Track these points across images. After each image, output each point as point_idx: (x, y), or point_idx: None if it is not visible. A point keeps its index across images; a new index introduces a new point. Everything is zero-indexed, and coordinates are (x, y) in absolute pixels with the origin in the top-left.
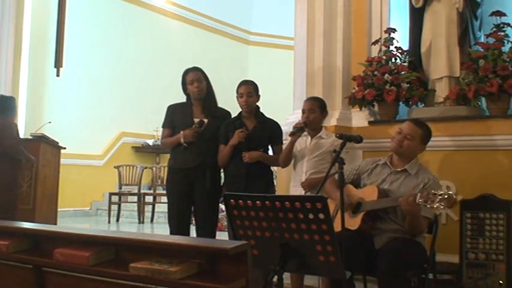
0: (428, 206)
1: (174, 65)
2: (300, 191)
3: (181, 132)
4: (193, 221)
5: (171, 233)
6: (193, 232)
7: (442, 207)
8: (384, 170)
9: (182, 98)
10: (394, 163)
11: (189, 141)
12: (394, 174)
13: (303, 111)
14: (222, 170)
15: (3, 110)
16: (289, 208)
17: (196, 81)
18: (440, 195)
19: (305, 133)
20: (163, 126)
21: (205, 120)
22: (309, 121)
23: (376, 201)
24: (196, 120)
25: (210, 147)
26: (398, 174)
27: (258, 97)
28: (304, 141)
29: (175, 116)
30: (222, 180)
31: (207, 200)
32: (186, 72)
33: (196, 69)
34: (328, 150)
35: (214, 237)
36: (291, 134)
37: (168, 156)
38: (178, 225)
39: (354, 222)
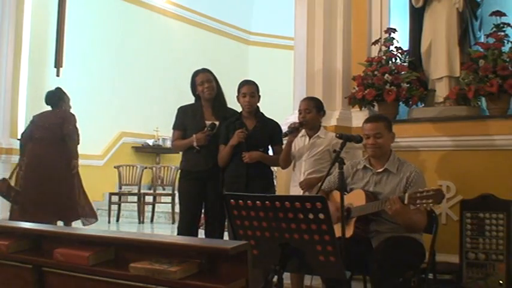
0: (418, 206)
1: (174, 65)
2: (298, 191)
3: (194, 136)
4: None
5: (180, 232)
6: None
7: (431, 205)
8: (365, 174)
9: (182, 98)
10: (374, 164)
11: (201, 144)
12: (376, 175)
13: (299, 112)
14: None
15: (55, 103)
16: (289, 208)
17: (206, 82)
18: (427, 192)
19: (303, 133)
20: (174, 128)
21: (217, 123)
22: (305, 121)
23: (363, 206)
24: (208, 123)
25: None
26: (381, 175)
27: (259, 97)
28: (303, 141)
29: (186, 118)
30: None
31: (219, 201)
32: (196, 73)
33: (205, 71)
34: (326, 149)
35: (222, 238)
36: (284, 135)
37: (168, 156)
38: (188, 225)
39: (347, 230)
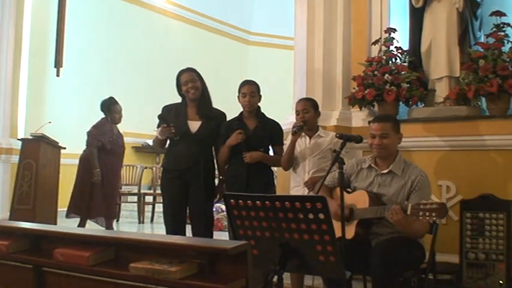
0: (421, 218)
1: (174, 65)
2: (301, 191)
3: (158, 129)
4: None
5: (167, 232)
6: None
7: (434, 218)
8: (370, 173)
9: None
10: (379, 164)
11: (163, 138)
12: (381, 176)
13: (297, 113)
14: (216, 172)
15: (105, 112)
16: (289, 208)
17: (190, 82)
18: (431, 205)
19: (303, 134)
20: (158, 126)
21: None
22: (305, 120)
23: (366, 210)
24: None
25: (203, 148)
26: (385, 176)
27: (259, 97)
28: (304, 142)
29: (168, 116)
30: (217, 181)
31: (202, 201)
32: (180, 73)
33: (190, 70)
34: (328, 148)
35: (210, 237)
36: (293, 133)
37: None
38: (172, 225)
39: (348, 232)
